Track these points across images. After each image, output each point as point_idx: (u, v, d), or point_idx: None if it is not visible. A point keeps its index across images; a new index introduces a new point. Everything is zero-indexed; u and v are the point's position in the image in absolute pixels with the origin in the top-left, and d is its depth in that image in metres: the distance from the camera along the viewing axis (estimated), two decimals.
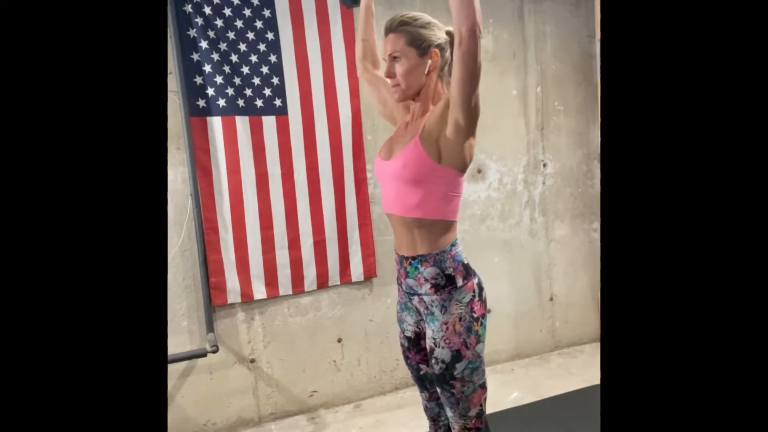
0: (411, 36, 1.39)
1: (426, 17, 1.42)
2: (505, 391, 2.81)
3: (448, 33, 1.44)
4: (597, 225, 3.38)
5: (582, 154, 3.30)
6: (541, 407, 2.63)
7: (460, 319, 1.39)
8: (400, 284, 1.53)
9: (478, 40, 1.23)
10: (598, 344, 3.34)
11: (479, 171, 3.03)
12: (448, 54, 1.43)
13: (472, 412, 1.43)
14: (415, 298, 1.46)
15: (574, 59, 3.22)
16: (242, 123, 2.50)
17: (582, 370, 3.05)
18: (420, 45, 1.39)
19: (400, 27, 1.40)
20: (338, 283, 2.76)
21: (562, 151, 3.25)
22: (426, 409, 1.64)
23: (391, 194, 1.46)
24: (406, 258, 1.45)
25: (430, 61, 1.40)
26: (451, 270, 1.40)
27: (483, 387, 1.44)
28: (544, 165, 3.21)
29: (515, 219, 3.16)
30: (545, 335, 3.32)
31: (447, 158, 1.36)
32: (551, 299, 3.32)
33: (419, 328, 1.53)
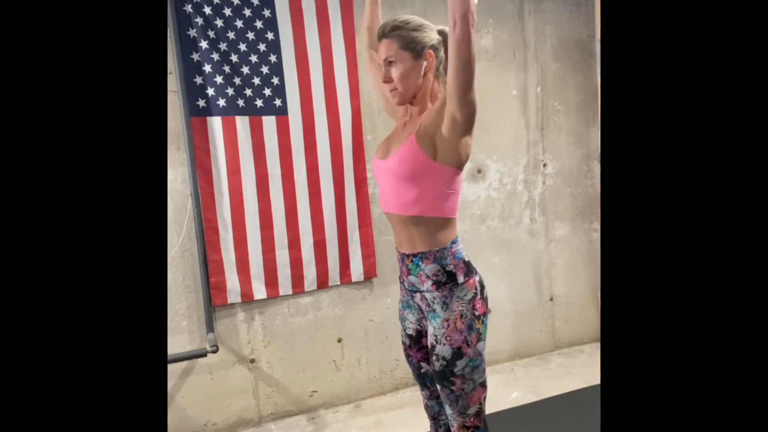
0: (404, 40, 1.39)
1: (417, 19, 1.43)
2: (505, 391, 2.81)
3: (440, 32, 1.44)
4: (597, 225, 3.38)
5: (582, 154, 3.30)
6: (541, 407, 2.63)
7: (462, 316, 1.40)
8: (402, 282, 1.54)
9: (472, 27, 1.21)
10: (598, 344, 3.34)
11: (479, 171, 3.03)
12: (442, 53, 1.44)
13: (471, 410, 1.43)
14: (417, 296, 1.47)
15: (574, 59, 3.22)
16: (242, 123, 2.50)
17: (582, 370, 3.05)
18: (414, 48, 1.40)
19: (392, 32, 1.40)
20: (338, 283, 2.76)
21: (562, 151, 3.25)
22: (426, 408, 1.65)
23: (388, 192, 1.47)
24: (408, 255, 1.45)
25: (425, 63, 1.41)
26: (452, 267, 1.41)
27: (483, 385, 1.44)
28: (544, 165, 3.21)
29: (515, 219, 3.16)
30: (545, 335, 3.32)
31: (442, 155, 1.36)
32: (551, 299, 3.32)
33: (421, 326, 1.54)
